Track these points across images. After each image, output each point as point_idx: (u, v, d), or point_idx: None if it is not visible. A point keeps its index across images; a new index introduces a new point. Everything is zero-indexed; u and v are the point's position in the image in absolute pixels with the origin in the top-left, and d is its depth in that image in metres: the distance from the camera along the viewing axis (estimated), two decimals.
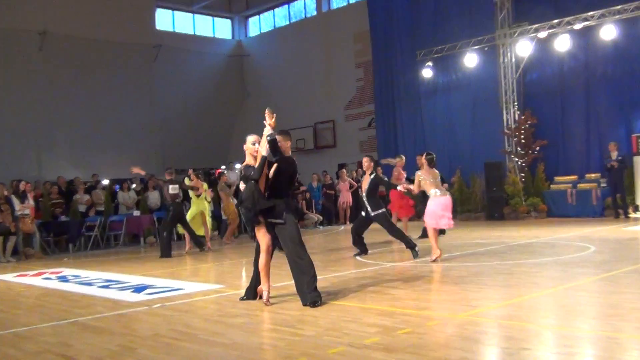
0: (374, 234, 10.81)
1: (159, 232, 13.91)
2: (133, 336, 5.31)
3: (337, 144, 24.45)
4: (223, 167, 19.95)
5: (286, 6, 27.11)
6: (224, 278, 8.88)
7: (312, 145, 24.82)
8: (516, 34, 17.07)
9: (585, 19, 15.63)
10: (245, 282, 7.57)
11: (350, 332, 4.88)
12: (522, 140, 16.76)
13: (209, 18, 28.17)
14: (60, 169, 20.20)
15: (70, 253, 14.76)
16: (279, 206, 6.19)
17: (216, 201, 15.54)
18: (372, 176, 9.70)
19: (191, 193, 13.19)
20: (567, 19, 15.88)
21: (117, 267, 10.99)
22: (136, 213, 16.24)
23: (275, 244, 6.32)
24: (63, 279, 9.73)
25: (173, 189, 12.39)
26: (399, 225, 11.55)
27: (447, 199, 8.78)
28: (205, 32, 27.92)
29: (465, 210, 17.23)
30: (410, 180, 10.28)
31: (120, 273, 9.92)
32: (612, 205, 14.80)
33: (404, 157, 13.03)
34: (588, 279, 6.79)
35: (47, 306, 7.28)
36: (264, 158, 6.12)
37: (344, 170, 19.54)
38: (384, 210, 9.66)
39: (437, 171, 9.01)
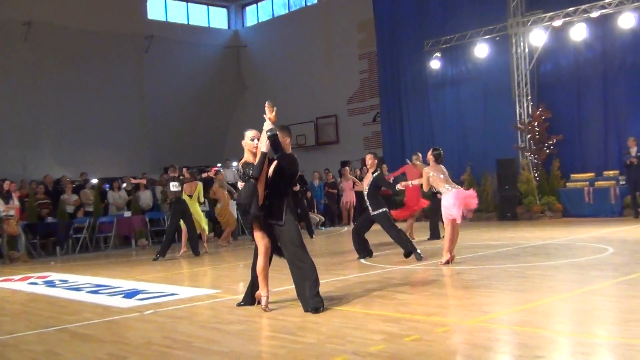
0: (380, 235, 10.81)
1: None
2: (124, 344, 5.32)
3: (339, 140, 24.49)
4: (219, 164, 19.97)
5: None
6: (221, 282, 8.89)
7: (314, 141, 24.86)
8: (529, 23, 17.04)
9: (603, 7, 15.61)
10: (242, 287, 7.58)
11: (355, 339, 4.89)
12: (536, 136, 16.74)
13: (204, 7, 28.20)
14: (46, 167, 20.26)
15: (57, 256, 14.81)
16: (278, 206, 6.18)
17: (211, 202, 15.55)
18: (375, 174, 9.73)
19: (183, 194, 13.23)
20: (583, 6, 15.84)
21: (107, 271, 11.03)
22: (127, 214, 16.28)
23: (274, 250, 6.32)
24: (50, 283, 9.75)
25: (175, 186, 12.52)
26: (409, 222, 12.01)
27: (460, 191, 8.79)
28: (200, 21, 27.95)
29: (476, 210, 17.15)
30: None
31: (111, 277, 9.95)
32: (631, 204, 14.79)
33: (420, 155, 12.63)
34: (606, 282, 6.79)
35: (33, 313, 7.29)
36: (264, 154, 6.09)
37: (347, 167, 19.55)
38: (385, 210, 9.69)
39: (444, 167, 9.06)
